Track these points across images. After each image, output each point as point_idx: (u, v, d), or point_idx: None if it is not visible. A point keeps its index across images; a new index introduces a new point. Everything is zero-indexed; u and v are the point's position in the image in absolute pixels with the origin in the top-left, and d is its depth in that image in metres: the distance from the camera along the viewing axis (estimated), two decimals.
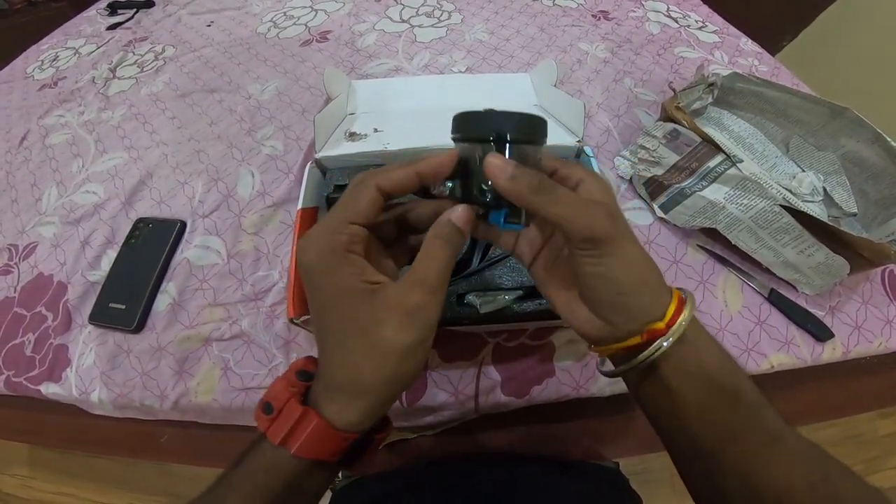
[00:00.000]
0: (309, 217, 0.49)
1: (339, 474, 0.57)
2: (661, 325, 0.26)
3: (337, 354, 0.25)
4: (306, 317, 0.41)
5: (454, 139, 0.28)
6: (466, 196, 0.27)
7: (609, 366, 0.30)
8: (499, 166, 0.25)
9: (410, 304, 0.24)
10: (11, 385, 0.53)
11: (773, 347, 0.51)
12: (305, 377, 0.27)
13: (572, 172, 0.28)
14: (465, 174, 0.28)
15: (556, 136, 0.58)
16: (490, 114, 0.26)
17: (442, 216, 0.27)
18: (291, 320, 0.41)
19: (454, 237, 0.26)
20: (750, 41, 0.92)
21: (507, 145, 0.26)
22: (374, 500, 0.51)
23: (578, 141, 0.56)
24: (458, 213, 0.27)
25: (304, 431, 0.24)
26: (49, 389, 0.52)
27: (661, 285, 0.27)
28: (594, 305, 0.27)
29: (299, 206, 0.48)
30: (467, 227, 0.27)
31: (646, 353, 0.26)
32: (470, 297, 0.44)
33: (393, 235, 0.31)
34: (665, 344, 0.25)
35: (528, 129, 0.27)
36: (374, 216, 0.26)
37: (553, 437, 0.55)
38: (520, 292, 0.44)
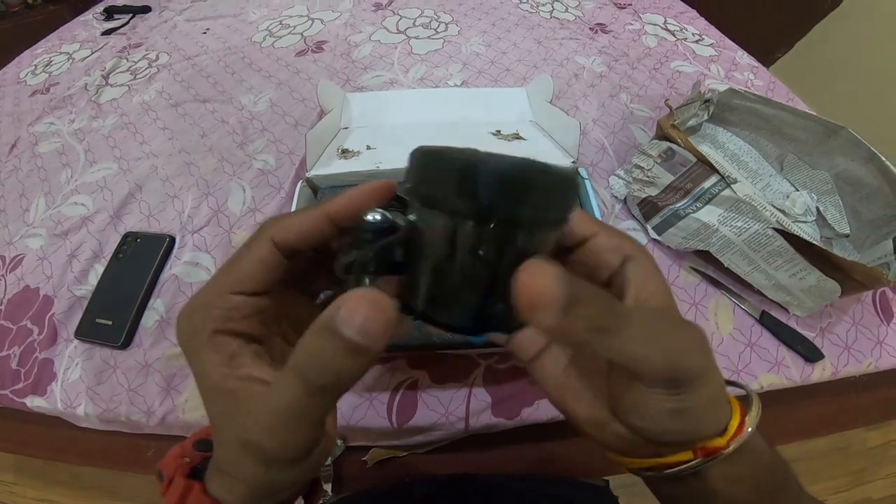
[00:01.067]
0: None
1: (329, 491, 0.57)
2: (721, 441, 0.21)
3: (217, 436, 0.21)
4: None
5: (407, 193, 0.18)
6: (409, 296, 0.17)
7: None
8: (543, 288, 0.15)
9: (246, 435, 0.19)
10: None
11: (764, 368, 0.51)
12: (204, 447, 0.24)
13: (611, 244, 0.21)
14: (414, 255, 0.17)
15: (551, 157, 0.58)
16: (482, 162, 0.15)
17: (318, 319, 0.17)
18: None
19: (330, 364, 0.17)
20: (746, 55, 0.92)
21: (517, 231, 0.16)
22: None
23: (573, 161, 0.56)
24: (350, 309, 0.16)
25: None
26: (34, 403, 0.52)
27: (724, 396, 0.22)
28: (640, 430, 0.21)
29: None
30: (373, 337, 0.16)
31: (693, 463, 0.21)
32: None
33: (311, 270, 0.23)
34: (721, 456, 0.21)
35: (554, 199, 0.16)
36: (270, 280, 0.20)
37: (543, 455, 0.55)
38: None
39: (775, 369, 0.51)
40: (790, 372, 0.51)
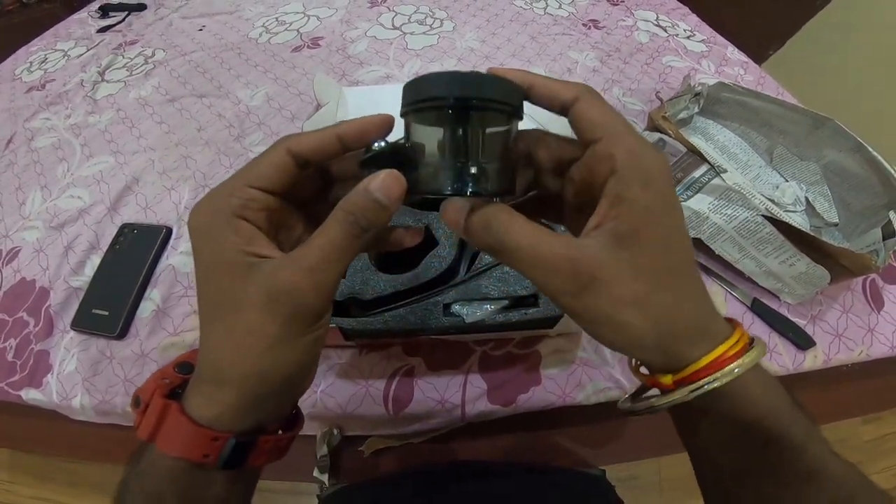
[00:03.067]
0: None
1: (326, 481, 0.57)
2: (666, 379, 0.22)
3: (204, 338, 0.22)
4: None
5: (403, 111, 0.22)
6: (415, 188, 0.22)
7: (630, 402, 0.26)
8: (450, 216, 0.22)
9: (278, 284, 0.20)
10: None
11: None
12: (186, 370, 0.24)
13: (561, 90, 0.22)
14: (411, 156, 0.22)
15: None
16: (449, 74, 0.20)
17: (360, 184, 0.21)
18: None
19: (367, 213, 0.20)
20: (737, 50, 0.93)
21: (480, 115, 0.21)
22: None
23: None
24: (379, 181, 0.20)
25: (166, 427, 0.22)
26: (29, 395, 0.52)
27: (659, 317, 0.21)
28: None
29: None
30: (392, 199, 0.21)
31: (639, 401, 0.24)
32: (456, 307, 0.43)
33: (311, 194, 0.25)
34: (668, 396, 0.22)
35: (500, 91, 0.21)
36: (282, 183, 0.22)
37: (539, 444, 0.55)
38: (506, 302, 0.44)
39: (767, 357, 0.52)
40: (782, 359, 0.52)
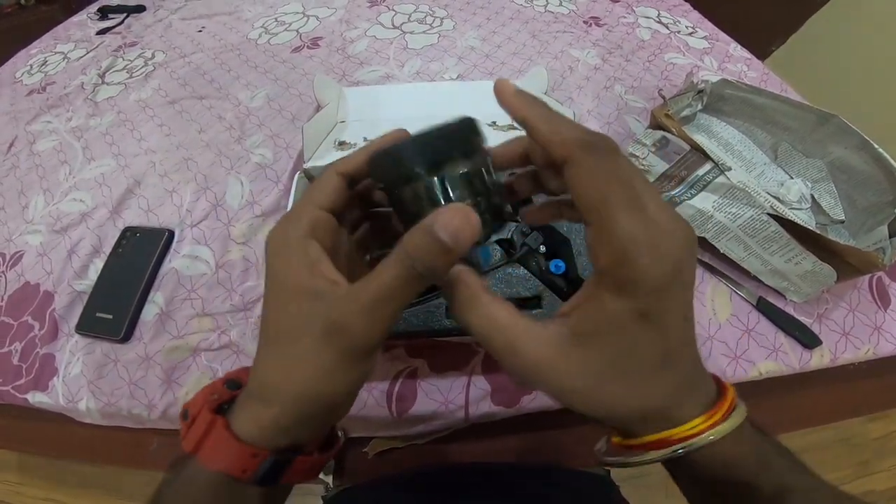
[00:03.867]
0: None
1: (331, 482, 0.57)
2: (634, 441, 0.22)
3: (261, 359, 0.23)
4: None
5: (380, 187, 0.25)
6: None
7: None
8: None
9: (335, 318, 0.20)
10: None
11: (762, 355, 0.52)
12: (234, 386, 0.25)
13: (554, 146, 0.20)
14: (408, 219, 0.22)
15: None
16: (402, 146, 0.21)
17: (425, 220, 0.19)
18: None
19: (427, 257, 0.18)
20: (739, 47, 0.92)
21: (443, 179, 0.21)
22: None
23: None
24: (445, 218, 0.18)
25: (211, 440, 0.22)
26: (36, 398, 0.52)
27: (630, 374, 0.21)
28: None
29: None
30: (460, 241, 0.18)
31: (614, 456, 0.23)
32: None
33: (355, 217, 0.27)
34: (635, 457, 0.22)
35: (452, 142, 0.22)
36: (339, 202, 0.24)
37: (543, 445, 0.55)
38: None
39: (773, 356, 0.51)
40: (788, 358, 0.51)
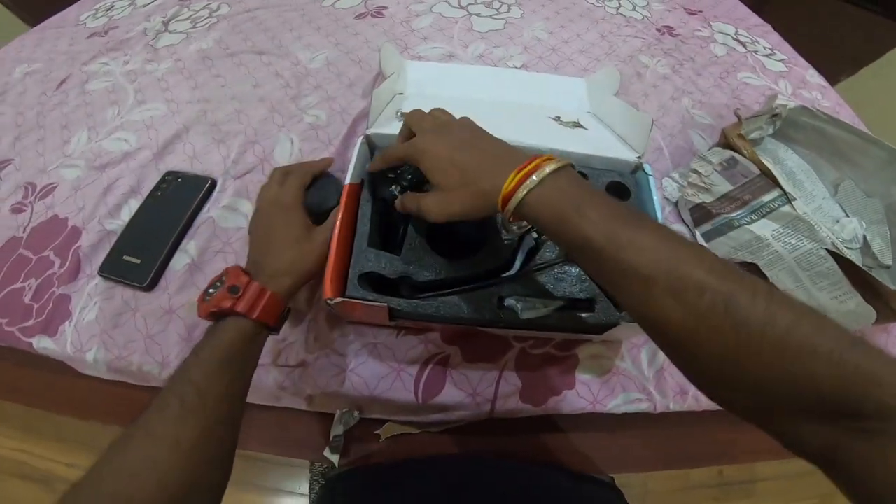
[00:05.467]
0: (354, 192, 0.43)
1: (336, 462, 0.50)
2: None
3: (284, 255, 0.40)
4: (340, 299, 0.36)
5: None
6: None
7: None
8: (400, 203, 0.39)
9: (325, 237, 0.41)
10: (2, 335, 0.47)
11: None
12: (246, 273, 0.38)
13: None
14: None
15: (613, 149, 0.51)
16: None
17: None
18: (327, 301, 0.36)
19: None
20: (816, 73, 0.83)
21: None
22: (368, 488, 0.47)
23: (638, 157, 0.49)
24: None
25: (262, 301, 0.36)
26: (41, 343, 0.46)
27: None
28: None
29: (347, 181, 0.44)
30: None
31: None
32: (510, 301, 0.39)
33: None
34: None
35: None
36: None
37: (553, 446, 0.50)
38: (561, 303, 0.40)
39: None
40: None
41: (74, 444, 1.08)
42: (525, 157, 0.30)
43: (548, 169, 0.29)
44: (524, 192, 0.28)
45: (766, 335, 0.22)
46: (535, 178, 0.28)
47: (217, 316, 0.35)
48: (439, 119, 0.39)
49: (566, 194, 0.28)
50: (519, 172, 0.29)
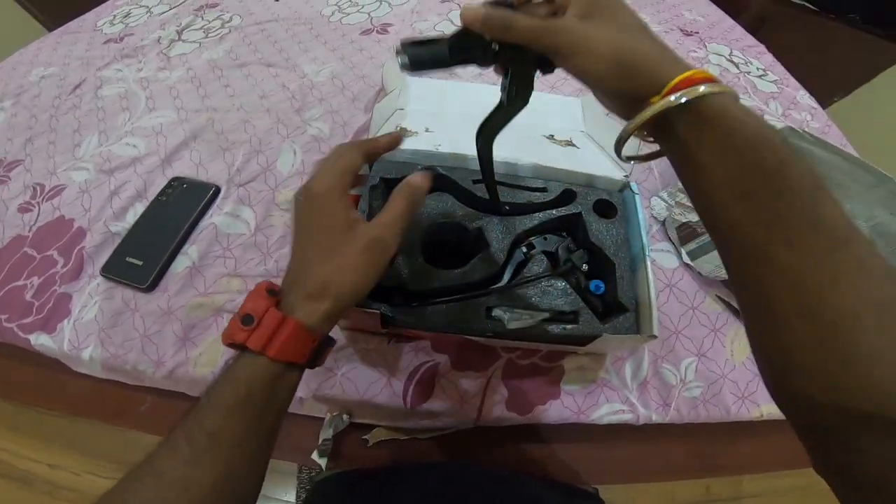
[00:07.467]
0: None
1: (324, 466, 0.50)
2: (655, 98, 0.24)
3: (316, 269, 0.28)
4: None
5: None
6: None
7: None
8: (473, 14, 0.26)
9: (371, 235, 0.29)
10: (0, 330, 0.47)
11: (767, 398, 0.46)
12: (273, 294, 0.28)
13: None
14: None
15: (603, 168, 0.51)
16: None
17: (405, 179, 0.31)
18: None
19: (412, 195, 0.31)
20: (807, 95, 0.83)
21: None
22: (354, 492, 0.46)
23: (626, 175, 0.49)
24: (416, 178, 0.32)
25: (282, 335, 0.26)
26: (39, 340, 0.46)
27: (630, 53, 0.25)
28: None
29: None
30: (422, 190, 0.32)
31: (643, 115, 0.24)
32: (498, 312, 0.40)
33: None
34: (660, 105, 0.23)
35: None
36: (359, 169, 0.31)
37: (540, 457, 0.50)
38: (547, 315, 0.40)
39: None
40: None
41: (59, 444, 1.02)
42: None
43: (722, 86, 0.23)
44: (711, 90, 0.22)
45: None
46: (721, 84, 0.22)
47: (234, 347, 0.28)
48: None
49: (755, 115, 0.23)
50: (694, 75, 0.23)
